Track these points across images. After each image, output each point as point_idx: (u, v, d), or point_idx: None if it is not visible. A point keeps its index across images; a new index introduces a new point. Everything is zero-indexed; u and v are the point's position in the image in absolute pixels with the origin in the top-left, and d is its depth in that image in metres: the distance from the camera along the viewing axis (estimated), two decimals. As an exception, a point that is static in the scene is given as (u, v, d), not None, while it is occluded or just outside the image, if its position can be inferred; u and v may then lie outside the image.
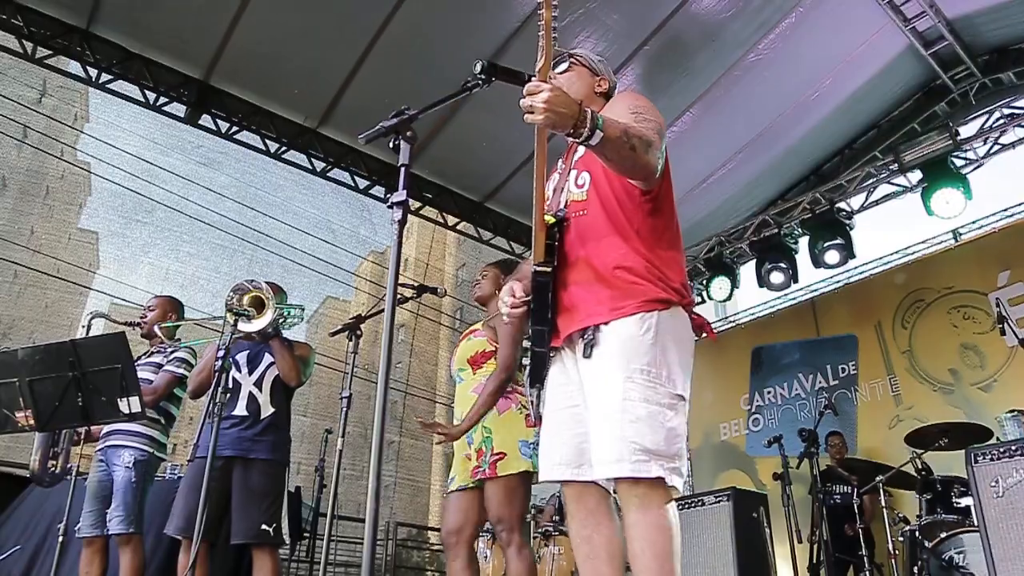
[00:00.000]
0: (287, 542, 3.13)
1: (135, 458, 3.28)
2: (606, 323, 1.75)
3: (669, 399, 1.70)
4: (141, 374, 3.17)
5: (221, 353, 2.71)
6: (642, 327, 1.72)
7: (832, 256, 6.41)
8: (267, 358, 3.18)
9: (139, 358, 3.42)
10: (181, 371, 3.43)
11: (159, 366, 3.44)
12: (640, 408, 1.66)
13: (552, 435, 1.86)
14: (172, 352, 3.49)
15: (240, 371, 3.13)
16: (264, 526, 2.90)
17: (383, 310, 1.58)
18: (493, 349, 2.87)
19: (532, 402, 1.90)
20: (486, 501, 2.70)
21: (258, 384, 3.13)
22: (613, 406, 1.67)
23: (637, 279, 1.77)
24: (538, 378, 1.88)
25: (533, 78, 1.59)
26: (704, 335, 1.97)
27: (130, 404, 2.68)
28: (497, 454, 2.67)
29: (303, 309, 3.25)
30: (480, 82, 1.70)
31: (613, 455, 1.65)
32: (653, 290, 1.76)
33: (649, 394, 1.67)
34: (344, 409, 2.79)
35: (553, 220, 1.85)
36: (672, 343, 1.74)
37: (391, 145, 1.71)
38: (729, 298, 7.28)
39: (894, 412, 6.05)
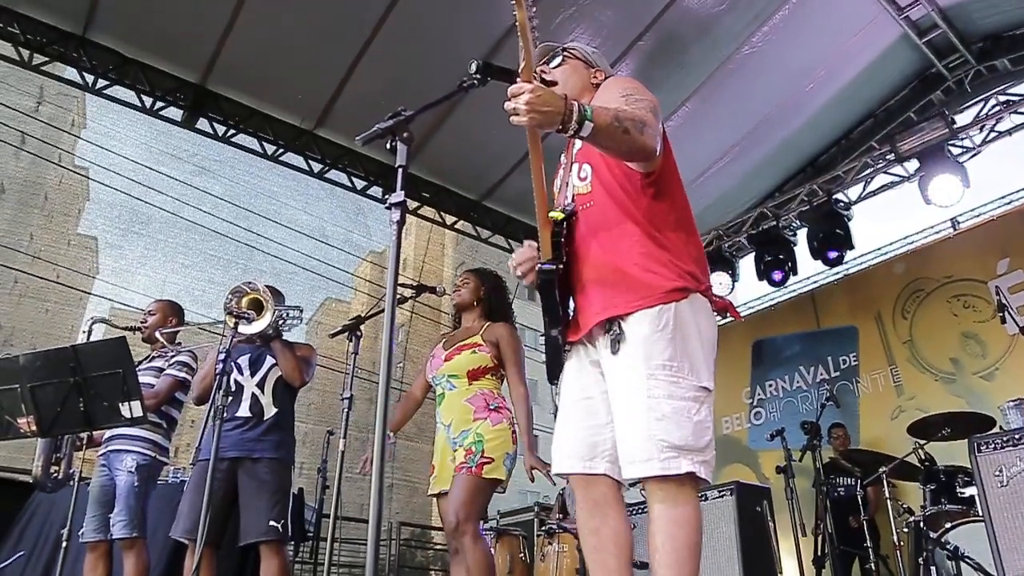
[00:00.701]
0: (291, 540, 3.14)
1: (137, 462, 3.27)
2: (624, 317, 1.74)
3: (694, 392, 1.68)
4: (142, 379, 3.16)
5: (222, 356, 2.72)
6: (660, 321, 1.71)
7: (831, 249, 6.39)
8: (269, 360, 3.19)
9: (140, 363, 3.41)
10: (183, 375, 3.43)
11: (160, 370, 3.44)
12: (665, 405, 1.65)
13: (565, 428, 1.85)
14: (173, 356, 3.49)
15: (242, 374, 3.15)
16: (273, 522, 2.90)
17: (383, 310, 1.57)
18: (493, 365, 3.00)
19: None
20: (454, 489, 2.78)
21: (260, 386, 3.14)
22: (638, 405, 1.67)
23: (651, 266, 1.75)
24: (555, 376, 1.90)
25: (518, 79, 1.59)
26: (728, 316, 1.95)
27: (132, 408, 2.68)
28: (486, 458, 2.80)
29: (301, 310, 3.26)
30: (475, 82, 1.70)
31: (643, 454, 1.64)
32: (668, 279, 1.74)
33: (673, 390, 1.66)
34: (345, 410, 2.81)
35: (561, 216, 1.85)
36: (693, 333, 1.73)
37: (388, 146, 1.71)
38: (730, 292, 7.27)
39: (896, 403, 6.04)
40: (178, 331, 3.61)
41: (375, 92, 5.42)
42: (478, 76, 1.69)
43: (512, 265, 1.94)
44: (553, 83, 1.93)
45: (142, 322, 3.61)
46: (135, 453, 3.30)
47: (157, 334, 3.51)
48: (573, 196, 1.91)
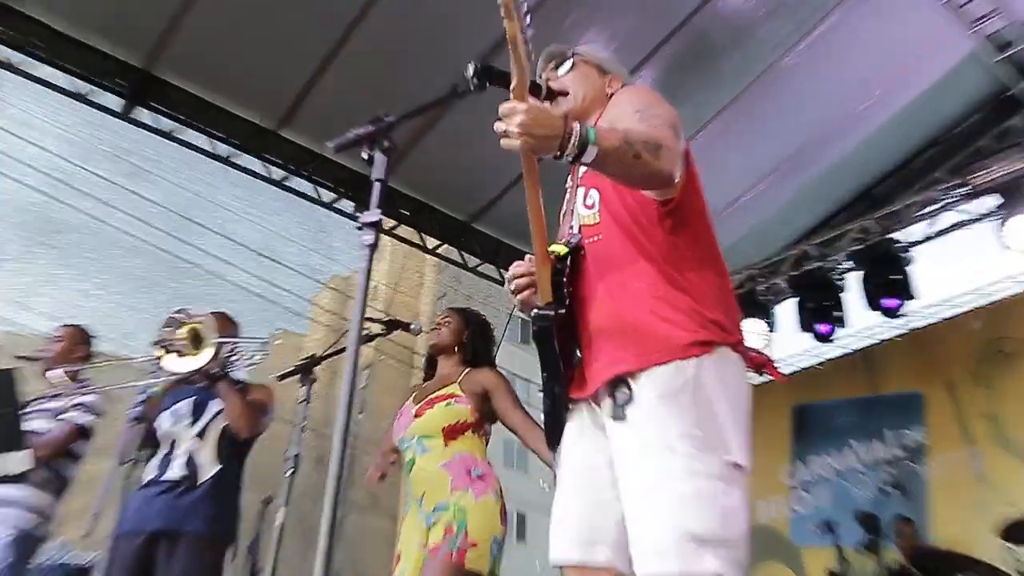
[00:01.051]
0: None
1: (14, 534, 3.06)
2: (634, 374, 1.71)
3: (721, 468, 1.62)
4: (32, 423, 3.06)
5: (139, 398, 2.68)
6: (678, 381, 1.67)
7: (888, 297, 6.40)
8: (214, 406, 3.13)
9: (28, 403, 3.23)
10: (85, 420, 3.29)
11: (56, 413, 3.27)
12: (686, 484, 1.59)
13: (565, 504, 1.83)
14: (74, 397, 3.31)
15: (179, 423, 3.08)
16: None
17: (344, 350, 1.56)
18: (474, 420, 2.96)
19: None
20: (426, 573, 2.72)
21: (201, 436, 3.08)
22: (651, 484, 1.62)
23: (667, 314, 1.74)
24: (555, 441, 1.89)
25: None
26: (765, 375, 1.94)
27: (15, 461, 2.61)
28: (470, 542, 2.73)
29: (265, 343, 3.22)
30: (472, 87, 1.71)
31: (655, 546, 1.58)
32: (689, 329, 1.72)
33: (695, 465, 1.60)
34: (290, 471, 2.72)
35: (564, 251, 1.85)
36: (721, 395, 1.68)
37: (365, 156, 1.72)
38: (766, 345, 7.27)
39: (978, 494, 5.81)
40: (83, 368, 3.51)
41: (353, 89, 5.47)
42: (476, 81, 1.71)
43: (509, 277, 1.93)
44: (563, 92, 1.95)
45: (44, 350, 3.50)
46: (14, 520, 3.06)
47: (60, 369, 3.37)
48: (579, 227, 1.91)
